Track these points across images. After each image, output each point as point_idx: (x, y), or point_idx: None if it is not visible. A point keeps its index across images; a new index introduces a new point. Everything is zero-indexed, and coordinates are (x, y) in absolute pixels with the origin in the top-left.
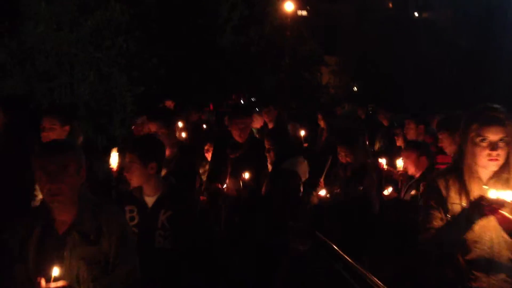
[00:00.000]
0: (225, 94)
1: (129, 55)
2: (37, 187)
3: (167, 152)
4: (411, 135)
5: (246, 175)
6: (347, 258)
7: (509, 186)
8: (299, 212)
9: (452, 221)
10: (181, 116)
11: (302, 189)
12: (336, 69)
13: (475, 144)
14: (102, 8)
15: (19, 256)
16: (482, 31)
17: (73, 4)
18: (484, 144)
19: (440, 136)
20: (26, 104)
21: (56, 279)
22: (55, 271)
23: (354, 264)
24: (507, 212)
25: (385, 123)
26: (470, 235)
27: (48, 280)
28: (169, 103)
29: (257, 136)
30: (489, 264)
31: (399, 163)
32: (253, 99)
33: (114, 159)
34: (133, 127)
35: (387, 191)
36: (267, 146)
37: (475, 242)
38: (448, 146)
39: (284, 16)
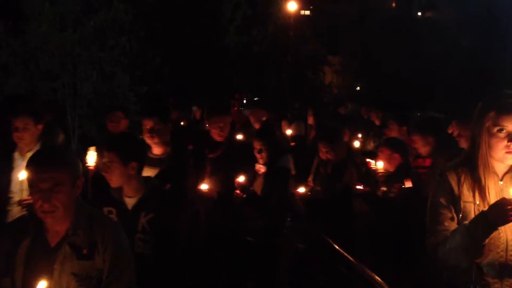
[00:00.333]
0: (228, 94)
1: (132, 55)
2: (12, 189)
3: (161, 150)
4: (394, 136)
5: (240, 179)
6: (348, 256)
7: None
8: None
9: (469, 225)
10: (183, 114)
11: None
12: (339, 68)
13: (492, 135)
14: (105, 8)
15: (5, 269)
16: (485, 31)
17: (77, 4)
18: (502, 134)
19: (413, 138)
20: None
21: None
22: (42, 285)
23: (355, 262)
24: None
25: (377, 122)
26: None
27: None
28: (195, 108)
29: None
30: (503, 269)
31: (380, 164)
32: (256, 99)
33: (91, 158)
34: (108, 124)
35: (360, 186)
36: (258, 147)
37: (488, 245)
38: (421, 148)
39: (287, 16)
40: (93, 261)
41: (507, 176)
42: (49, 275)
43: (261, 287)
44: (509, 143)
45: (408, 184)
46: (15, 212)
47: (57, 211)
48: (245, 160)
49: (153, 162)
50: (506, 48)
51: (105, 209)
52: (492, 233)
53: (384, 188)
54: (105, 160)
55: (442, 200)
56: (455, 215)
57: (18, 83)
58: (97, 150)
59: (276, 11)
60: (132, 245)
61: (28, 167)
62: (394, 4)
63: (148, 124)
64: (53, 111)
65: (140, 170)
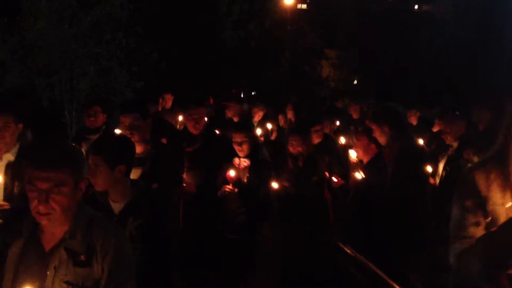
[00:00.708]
0: (225, 88)
1: (129, 50)
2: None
3: (141, 148)
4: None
5: (232, 173)
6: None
7: None
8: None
9: (499, 230)
10: (181, 110)
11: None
12: (336, 62)
13: None
14: (101, 3)
15: None
16: (483, 23)
17: None
18: None
19: (372, 127)
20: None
21: None
22: None
23: (358, 255)
24: None
25: (355, 116)
26: None
27: None
28: (168, 96)
29: (261, 130)
30: None
31: (352, 153)
32: (253, 93)
33: None
34: (85, 119)
35: (335, 178)
36: (238, 140)
37: None
38: (379, 137)
39: (284, 10)
40: (91, 268)
41: None
42: (41, 282)
43: (245, 281)
44: None
45: (360, 175)
46: None
47: (54, 214)
48: (224, 154)
49: (135, 161)
50: (503, 39)
51: None
52: None
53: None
54: (89, 163)
55: (468, 203)
56: (481, 220)
57: (15, 79)
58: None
59: (272, 5)
60: None
61: (27, 161)
62: None
63: (126, 120)
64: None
65: (128, 173)
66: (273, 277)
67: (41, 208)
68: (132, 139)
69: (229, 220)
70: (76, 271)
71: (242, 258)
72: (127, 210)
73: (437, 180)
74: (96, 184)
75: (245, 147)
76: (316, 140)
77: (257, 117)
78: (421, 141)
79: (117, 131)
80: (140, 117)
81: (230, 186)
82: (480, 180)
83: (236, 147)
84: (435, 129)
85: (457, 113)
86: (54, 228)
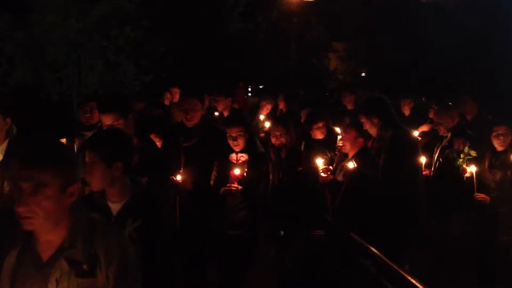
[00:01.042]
0: (232, 82)
1: (137, 44)
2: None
3: None
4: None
5: (237, 171)
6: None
7: None
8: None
9: None
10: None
11: None
12: (344, 55)
13: None
14: None
15: None
16: (489, 14)
17: None
18: None
19: (362, 120)
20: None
21: None
22: None
23: (373, 250)
24: None
25: (350, 106)
26: None
27: None
28: (176, 90)
29: (269, 123)
30: None
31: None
32: (261, 86)
33: None
34: (80, 115)
35: (323, 173)
36: (234, 134)
37: None
38: (370, 129)
39: (291, 2)
40: (95, 278)
41: None
42: None
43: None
44: None
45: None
46: None
47: (36, 218)
48: (223, 148)
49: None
50: (509, 30)
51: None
52: None
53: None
54: (86, 160)
55: None
56: None
57: (24, 74)
58: (68, 142)
59: None
60: None
61: (14, 160)
62: None
63: (107, 120)
64: None
65: (126, 170)
66: (274, 272)
67: (21, 210)
68: None
69: (229, 216)
70: (79, 282)
71: (243, 254)
72: (125, 211)
73: (431, 170)
74: (92, 183)
75: (240, 141)
76: (319, 136)
77: (265, 110)
78: (416, 133)
79: None
80: (120, 115)
81: (235, 185)
82: None
83: (231, 142)
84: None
85: (450, 104)
86: (48, 235)
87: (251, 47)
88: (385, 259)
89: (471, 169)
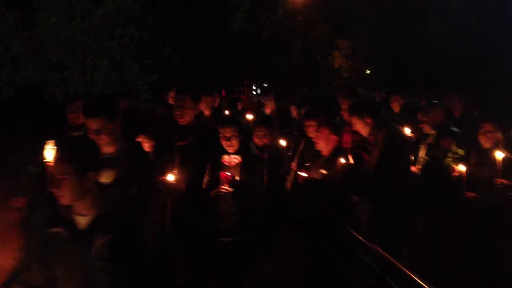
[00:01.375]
0: (238, 80)
1: (141, 43)
2: None
3: (113, 148)
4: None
5: (228, 173)
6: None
7: None
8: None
9: None
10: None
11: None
12: (348, 52)
13: None
14: None
15: None
16: (491, 8)
17: None
18: None
19: (352, 122)
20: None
21: None
22: None
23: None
24: None
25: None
26: None
27: None
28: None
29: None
30: None
31: None
32: (265, 85)
33: (49, 154)
34: (68, 115)
35: (303, 173)
36: (227, 134)
37: None
38: (362, 130)
39: (296, 1)
40: None
41: None
42: None
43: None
44: None
45: (349, 160)
46: None
47: None
48: (218, 148)
49: (107, 162)
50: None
51: (51, 230)
52: None
53: (323, 171)
54: (56, 172)
55: None
56: None
57: (28, 74)
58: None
59: None
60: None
61: None
62: None
63: (93, 124)
64: None
65: (97, 178)
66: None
67: None
68: (101, 142)
69: (221, 221)
70: None
71: (237, 261)
72: (94, 224)
73: (417, 168)
74: (63, 197)
75: (234, 142)
76: (311, 134)
77: (269, 109)
78: (407, 130)
79: None
80: (108, 120)
81: (226, 187)
82: None
83: (225, 142)
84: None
85: (435, 102)
86: None
87: (255, 45)
88: (388, 257)
89: (460, 168)
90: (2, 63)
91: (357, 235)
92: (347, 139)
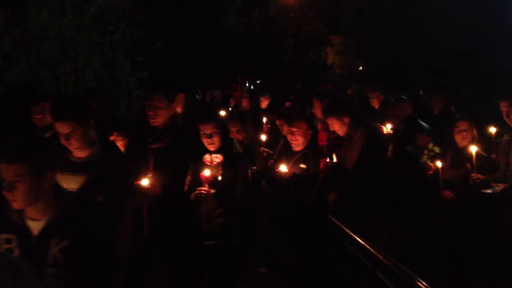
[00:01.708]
0: (230, 77)
1: (133, 40)
2: None
3: (85, 152)
4: (318, 113)
5: (206, 172)
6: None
7: None
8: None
9: None
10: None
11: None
12: (341, 48)
13: None
14: None
15: None
16: (486, 6)
17: None
18: None
19: (329, 122)
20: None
21: None
22: None
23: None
24: None
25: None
26: None
27: None
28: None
29: (266, 118)
30: None
31: None
32: (258, 81)
33: None
34: (33, 116)
35: (282, 168)
36: (208, 131)
37: None
38: (339, 129)
39: None
40: None
41: None
42: None
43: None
44: None
45: (333, 159)
46: None
47: None
48: (194, 150)
49: (77, 167)
50: (505, 22)
51: (2, 237)
52: None
53: (303, 166)
54: (8, 175)
55: None
56: None
57: (20, 72)
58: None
59: None
60: (39, 282)
61: None
62: None
63: (63, 129)
64: None
65: (53, 180)
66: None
67: None
68: (72, 146)
69: (204, 225)
70: None
71: (224, 264)
72: (49, 229)
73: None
74: (17, 201)
75: (216, 139)
76: (285, 132)
77: (263, 105)
78: (389, 126)
79: None
80: (78, 123)
81: (205, 188)
82: None
83: (206, 140)
84: None
85: (404, 97)
86: None
87: (247, 41)
88: (377, 254)
89: (436, 165)
90: None
91: (340, 224)
92: (323, 136)
